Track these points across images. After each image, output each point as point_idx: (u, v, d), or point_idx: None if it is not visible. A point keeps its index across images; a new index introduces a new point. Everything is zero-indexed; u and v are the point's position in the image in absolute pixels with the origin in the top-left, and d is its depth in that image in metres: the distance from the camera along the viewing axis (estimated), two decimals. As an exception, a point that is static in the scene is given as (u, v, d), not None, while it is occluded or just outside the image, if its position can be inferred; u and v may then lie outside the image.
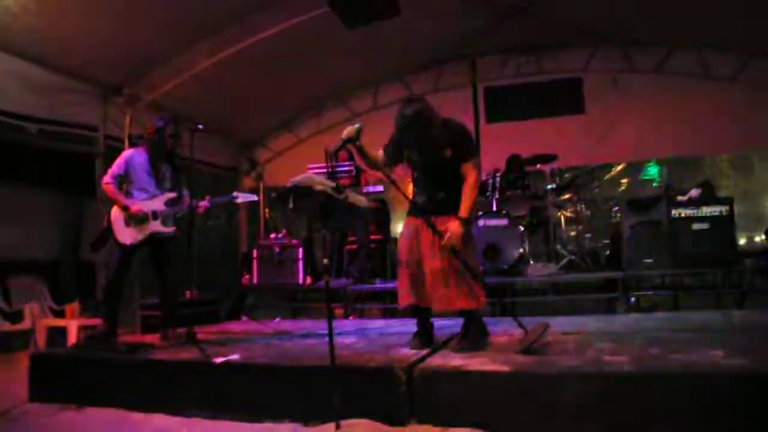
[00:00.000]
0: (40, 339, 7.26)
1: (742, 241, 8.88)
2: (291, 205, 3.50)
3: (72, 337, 6.91)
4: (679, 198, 6.57)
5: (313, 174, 3.49)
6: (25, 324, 7.22)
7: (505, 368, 3.37)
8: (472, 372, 3.40)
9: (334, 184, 3.41)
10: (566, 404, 3.11)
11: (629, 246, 6.69)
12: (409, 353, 3.98)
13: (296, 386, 3.70)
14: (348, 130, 4.00)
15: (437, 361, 3.74)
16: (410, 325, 5.37)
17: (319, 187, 3.33)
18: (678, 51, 9.23)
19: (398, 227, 9.90)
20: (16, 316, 7.27)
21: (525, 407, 3.20)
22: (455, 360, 3.68)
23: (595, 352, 3.73)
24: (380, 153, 4.30)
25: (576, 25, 8.78)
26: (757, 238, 9.32)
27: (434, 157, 4.06)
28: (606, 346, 3.89)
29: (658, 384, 3.00)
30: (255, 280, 7.77)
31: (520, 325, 3.99)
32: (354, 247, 7.99)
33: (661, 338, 4.10)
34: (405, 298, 4.16)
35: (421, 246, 4.06)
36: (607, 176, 9.68)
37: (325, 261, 3.24)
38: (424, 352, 3.98)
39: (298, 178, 3.48)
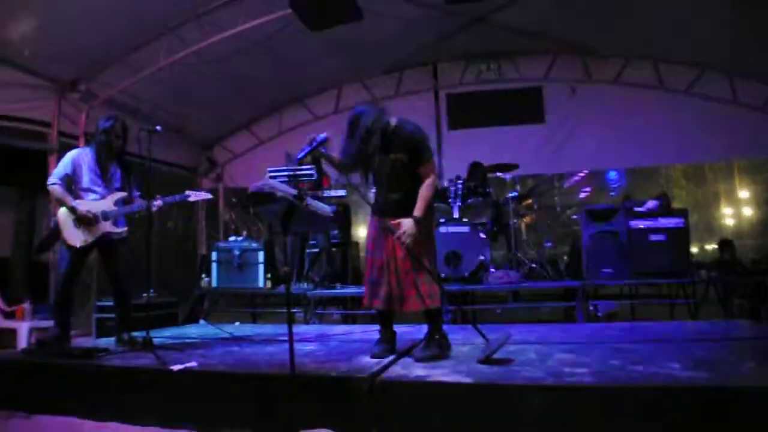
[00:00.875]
0: (-12, 343, 7.02)
1: (694, 250, 9.11)
2: (251, 211, 3.44)
3: (22, 340, 6.68)
4: (637, 209, 6.69)
5: (274, 181, 3.43)
6: (-27, 326, 6.97)
7: (466, 379, 3.37)
8: (434, 383, 3.39)
9: (295, 192, 3.37)
10: (527, 416, 3.12)
11: (588, 255, 6.77)
12: (370, 362, 3.96)
13: (256, 395, 3.64)
14: (310, 139, 3.99)
15: (399, 370, 3.72)
16: (372, 332, 5.37)
17: (279, 194, 3.28)
18: (634, 62, 9.42)
19: (359, 231, 9.87)
20: (-38, 319, 7.02)
21: (486, 419, 3.19)
22: (417, 370, 3.68)
23: (557, 362, 3.77)
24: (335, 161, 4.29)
25: (535, 33, 8.90)
26: (709, 247, 9.57)
27: (387, 162, 4.09)
28: (567, 357, 3.94)
29: (618, 396, 3.04)
30: (214, 283, 7.64)
31: (481, 334, 4.01)
32: (315, 250, 7.92)
33: (620, 349, 4.16)
34: (371, 299, 4.19)
35: (388, 247, 4.07)
36: (567, 185, 9.84)
37: (285, 269, 3.16)
38: (386, 361, 3.97)
39: (258, 184, 3.42)
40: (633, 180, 9.53)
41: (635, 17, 7.97)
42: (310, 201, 3.44)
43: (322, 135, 4.05)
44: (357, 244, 9.18)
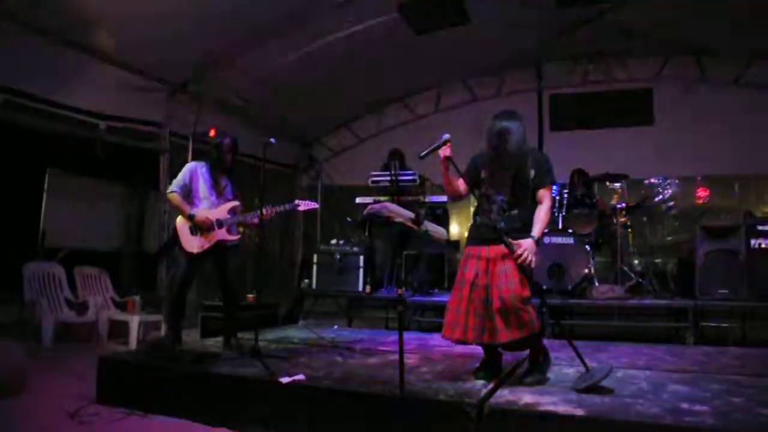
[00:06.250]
0: (103, 331, 7.41)
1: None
2: (366, 232, 3.44)
3: (133, 333, 7.03)
4: (760, 227, 6.27)
5: (392, 205, 3.40)
6: (90, 316, 7.37)
7: (578, 411, 3.25)
8: (544, 413, 3.29)
9: (413, 216, 3.33)
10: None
11: (703, 275, 6.40)
12: (477, 384, 3.90)
13: (364, 414, 3.65)
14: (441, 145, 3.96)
15: (507, 395, 3.64)
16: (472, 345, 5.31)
17: (398, 219, 3.26)
18: (759, 62, 8.84)
19: (454, 228, 9.75)
20: (82, 307, 7.43)
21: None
22: (525, 396, 3.59)
23: (672, 396, 3.58)
24: (460, 182, 4.18)
25: (648, 34, 8.51)
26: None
27: (519, 174, 4.00)
28: (682, 390, 3.74)
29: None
30: (314, 286, 7.76)
31: (583, 362, 3.87)
32: (414, 252, 7.85)
33: (740, 383, 3.92)
34: (457, 333, 3.99)
35: (493, 276, 3.94)
36: (678, 191, 9.37)
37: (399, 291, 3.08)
38: (492, 384, 3.90)
39: (376, 207, 3.41)
40: (755, 189, 8.91)
41: (759, 12, 7.46)
42: (426, 225, 3.40)
43: (446, 135, 3.98)
44: (455, 243, 9.05)
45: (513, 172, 4.02)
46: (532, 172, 4.00)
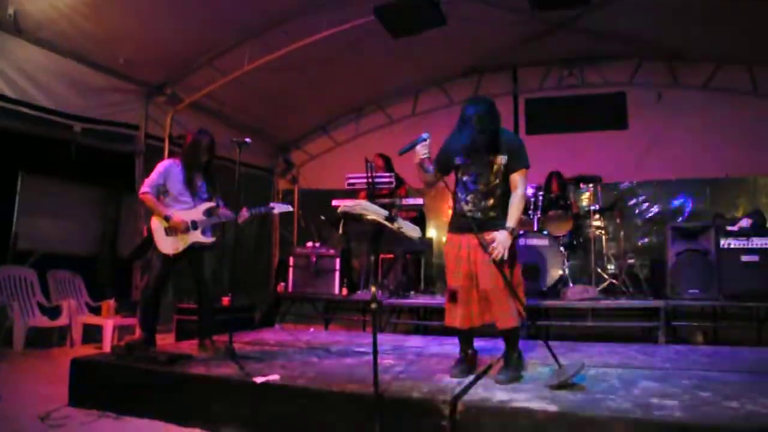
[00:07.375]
0: (77, 336, 7.32)
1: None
2: (341, 230, 3.46)
3: (108, 337, 6.96)
4: (728, 228, 6.38)
5: (365, 202, 3.42)
6: (63, 320, 7.28)
7: (551, 407, 3.29)
8: (518, 409, 3.32)
9: (386, 213, 3.35)
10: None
11: (674, 275, 6.50)
12: (451, 382, 3.91)
13: (339, 412, 3.66)
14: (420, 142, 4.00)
15: (481, 393, 3.67)
16: (447, 345, 5.35)
17: (371, 217, 3.27)
18: (727, 67, 9.04)
19: (432, 233, 9.80)
20: (55, 312, 7.34)
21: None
22: (499, 393, 3.62)
23: (642, 391, 3.63)
24: (432, 170, 4.22)
25: (621, 38, 8.66)
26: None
27: (489, 160, 4.00)
28: (652, 386, 3.79)
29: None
30: (290, 289, 7.73)
31: (555, 359, 3.92)
32: (390, 256, 7.88)
33: (710, 379, 3.98)
34: (456, 320, 4.09)
35: (476, 265, 3.99)
36: (652, 194, 9.53)
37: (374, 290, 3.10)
38: (467, 381, 3.92)
39: (350, 205, 3.42)
40: (724, 191, 9.06)
41: (728, 19, 7.63)
42: (400, 222, 3.42)
43: (425, 134, 4.03)
44: (431, 250, 9.10)
45: (486, 158, 4.01)
46: (505, 158, 3.99)
